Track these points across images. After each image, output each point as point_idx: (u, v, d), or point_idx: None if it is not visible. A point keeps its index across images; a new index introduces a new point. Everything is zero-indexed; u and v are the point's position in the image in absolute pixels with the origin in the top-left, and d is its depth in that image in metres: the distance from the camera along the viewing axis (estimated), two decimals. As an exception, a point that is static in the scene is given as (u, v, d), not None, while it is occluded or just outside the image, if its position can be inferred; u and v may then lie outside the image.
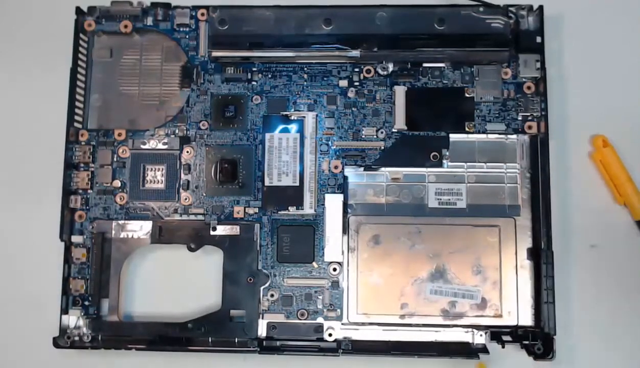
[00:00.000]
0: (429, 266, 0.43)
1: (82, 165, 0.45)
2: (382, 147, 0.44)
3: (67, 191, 0.44)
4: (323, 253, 0.43)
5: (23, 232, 0.46)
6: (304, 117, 0.45)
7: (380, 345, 0.42)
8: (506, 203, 0.43)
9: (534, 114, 0.44)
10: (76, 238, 0.44)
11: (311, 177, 0.44)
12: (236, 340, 0.42)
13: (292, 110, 0.45)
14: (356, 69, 0.45)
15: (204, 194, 0.44)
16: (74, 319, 0.43)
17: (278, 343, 0.42)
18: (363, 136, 0.44)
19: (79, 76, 0.45)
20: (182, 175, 0.45)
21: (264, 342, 0.42)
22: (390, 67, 0.45)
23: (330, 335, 0.42)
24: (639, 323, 0.43)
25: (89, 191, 0.45)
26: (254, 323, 0.42)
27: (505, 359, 0.43)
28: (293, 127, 0.44)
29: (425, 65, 0.45)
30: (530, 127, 0.44)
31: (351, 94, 0.45)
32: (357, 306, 0.43)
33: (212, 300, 0.44)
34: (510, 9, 0.44)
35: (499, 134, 0.44)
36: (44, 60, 0.48)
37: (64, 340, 0.43)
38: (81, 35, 0.46)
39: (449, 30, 0.44)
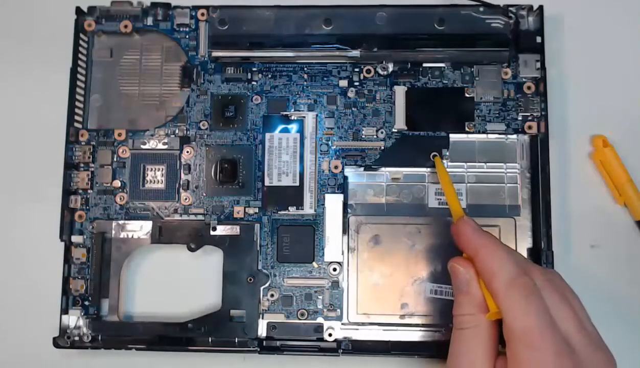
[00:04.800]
0: (429, 266, 0.43)
1: (82, 165, 0.45)
2: (382, 147, 0.44)
3: (67, 191, 0.44)
4: (323, 253, 0.43)
5: (23, 232, 0.46)
6: (304, 117, 0.45)
7: (380, 345, 0.42)
8: (506, 204, 0.43)
9: (534, 114, 0.44)
10: (76, 238, 0.44)
11: (311, 177, 0.44)
12: (236, 340, 0.42)
13: (292, 110, 0.45)
14: (356, 69, 0.45)
15: (204, 194, 0.44)
16: (74, 319, 0.43)
17: (278, 343, 0.42)
18: (363, 136, 0.44)
19: (79, 76, 0.45)
20: (182, 175, 0.45)
21: (264, 342, 0.42)
22: (390, 67, 0.45)
23: (330, 335, 0.42)
24: (639, 323, 0.43)
25: (89, 191, 0.45)
26: (254, 323, 0.42)
27: (505, 359, 0.43)
28: (293, 127, 0.45)
29: (425, 65, 0.45)
30: (530, 127, 0.44)
31: (351, 94, 0.45)
32: (357, 306, 0.43)
33: (212, 300, 0.44)
34: (510, 9, 0.44)
35: (499, 134, 0.44)
36: (44, 60, 0.48)
37: (64, 340, 0.43)
38: (81, 35, 0.46)
39: (449, 30, 0.44)
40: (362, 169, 0.44)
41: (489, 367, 0.34)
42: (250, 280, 0.43)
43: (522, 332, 0.32)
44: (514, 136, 0.44)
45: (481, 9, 0.44)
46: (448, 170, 0.43)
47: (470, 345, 0.34)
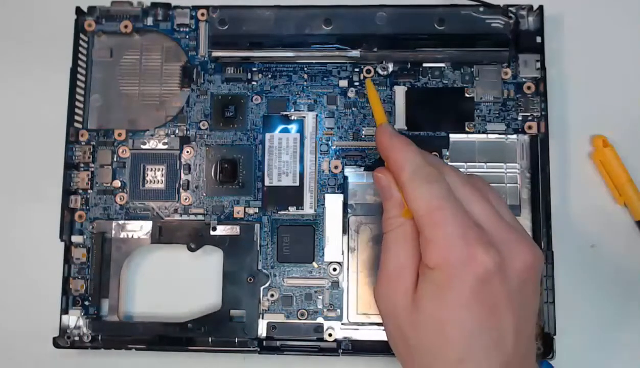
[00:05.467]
0: (429, 266, 0.43)
1: (82, 165, 0.45)
2: (382, 147, 0.44)
3: (67, 191, 0.44)
4: (323, 253, 0.43)
5: (23, 232, 0.46)
6: (304, 117, 0.45)
7: (380, 345, 0.42)
8: (506, 203, 0.43)
9: (534, 114, 0.44)
10: (76, 238, 0.44)
11: (311, 177, 0.44)
12: (236, 340, 0.42)
13: (292, 110, 0.45)
14: (356, 69, 0.45)
15: (204, 194, 0.44)
16: (74, 319, 0.43)
17: (278, 343, 0.42)
18: (363, 136, 0.44)
19: (79, 76, 0.45)
20: (182, 175, 0.45)
21: (264, 342, 0.42)
22: (390, 67, 0.45)
23: (330, 335, 0.42)
24: (639, 324, 0.43)
25: (89, 191, 0.45)
26: (254, 323, 0.42)
27: (505, 359, 0.42)
28: (293, 127, 0.45)
29: (425, 65, 0.45)
30: (530, 127, 0.44)
31: (351, 94, 0.45)
32: (357, 306, 0.43)
33: (212, 300, 0.44)
34: (510, 9, 0.44)
35: (499, 134, 0.44)
36: (44, 60, 0.48)
37: (64, 340, 0.43)
38: (81, 35, 0.46)
39: (449, 30, 0.44)
40: (362, 169, 0.44)
41: (413, 262, 0.34)
42: (250, 280, 0.43)
43: (425, 213, 0.32)
44: (514, 136, 0.44)
45: (481, 9, 0.44)
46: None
47: (395, 244, 0.34)
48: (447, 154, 0.44)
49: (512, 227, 0.34)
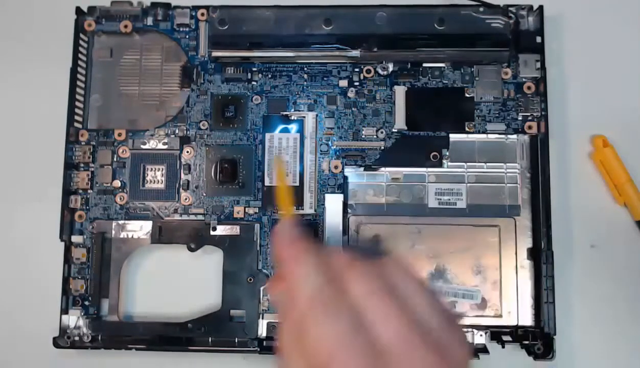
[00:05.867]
0: (429, 266, 0.43)
1: (82, 165, 0.45)
2: (382, 147, 0.44)
3: (67, 191, 0.44)
4: (323, 253, 0.43)
5: (23, 232, 0.46)
6: (304, 117, 0.45)
7: (380, 345, 0.42)
8: (506, 204, 0.43)
9: (534, 114, 0.44)
10: (76, 238, 0.44)
11: (311, 177, 0.44)
12: (236, 340, 0.42)
13: (292, 110, 0.45)
14: (356, 69, 0.45)
15: (204, 194, 0.44)
16: (74, 319, 0.43)
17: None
18: (363, 136, 0.44)
19: (79, 76, 0.45)
20: (182, 175, 0.45)
21: (264, 342, 0.42)
22: (390, 67, 0.45)
23: (330, 335, 0.42)
24: (639, 323, 0.43)
25: (89, 191, 0.45)
26: (254, 323, 0.42)
27: (505, 359, 0.42)
28: (293, 127, 0.45)
29: (425, 65, 0.45)
30: (530, 127, 0.44)
31: (351, 94, 0.45)
32: (357, 306, 0.42)
33: (212, 300, 0.44)
34: (510, 9, 0.44)
35: (499, 134, 0.44)
36: (44, 60, 0.48)
37: (64, 340, 0.43)
38: (81, 35, 0.46)
39: (449, 30, 0.44)
40: (362, 169, 0.44)
41: None
42: (250, 280, 0.43)
43: (329, 357, 0.26)
44: (514, 136, 0.44)
45: (481, 9, 0.44)
46: (448, 170, 0.43)
47: None
48: (447, 154, 0.44)
49: (428, 342, 0.27)
